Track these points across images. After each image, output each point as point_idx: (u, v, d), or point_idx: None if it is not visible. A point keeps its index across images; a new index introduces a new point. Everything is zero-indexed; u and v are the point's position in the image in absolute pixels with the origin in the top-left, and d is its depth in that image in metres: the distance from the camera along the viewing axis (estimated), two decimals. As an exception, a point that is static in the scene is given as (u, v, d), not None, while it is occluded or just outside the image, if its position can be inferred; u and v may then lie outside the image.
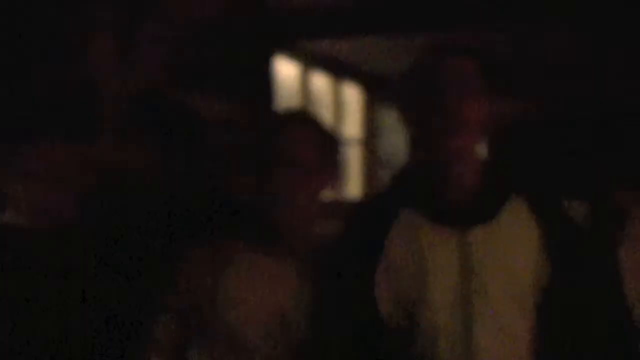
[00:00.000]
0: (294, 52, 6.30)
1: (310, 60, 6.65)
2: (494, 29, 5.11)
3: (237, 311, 1.58)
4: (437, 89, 1.48)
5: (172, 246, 1.69)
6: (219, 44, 3.55)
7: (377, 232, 1.51)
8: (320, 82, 7.05)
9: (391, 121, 8.35)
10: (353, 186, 7.78)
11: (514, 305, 1.44)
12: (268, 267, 1.62)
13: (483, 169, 1.51)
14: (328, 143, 1.66)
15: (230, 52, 3.40)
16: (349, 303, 1.50)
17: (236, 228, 1.68)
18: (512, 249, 1.46)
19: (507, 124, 1.59)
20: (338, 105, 7.37)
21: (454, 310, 1.43)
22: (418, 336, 1.45)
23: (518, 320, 1.45)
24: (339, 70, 7.22)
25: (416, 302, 1.45)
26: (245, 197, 1.69)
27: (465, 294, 1.43)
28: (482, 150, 1.52)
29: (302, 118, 1.70)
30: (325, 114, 7.18)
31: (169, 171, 1.86)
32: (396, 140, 8.37)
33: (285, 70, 6.31)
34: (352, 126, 7.73)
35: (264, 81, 5.08)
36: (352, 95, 7.75)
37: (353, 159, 7.78)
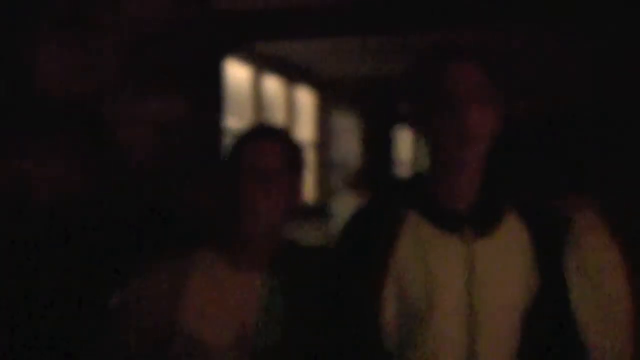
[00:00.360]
0: (245, 54, 6.27)
1: (262, 63, 6.63)
2: (440, 29, 5.14)
3: (201, 324, 1.57)
4: (448, 99, 1.45)
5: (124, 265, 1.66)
6: (168, 46, 3.51)
7: (384, 234, 1.50)
8: (272, 85, 7.03)
9: (343, 124, 8.37)
10: (306, 189, 7.77)
11: (513, 315, 1.48)
12: (232, 279, 1.61)
13: (484, 179, 1.52)
14: (292, 154, 1.65)
15: (180, 55, 3.37)
16: (351, 307, 1.49)
17: (197, 241, 1.66)
18: (509, 260, 1.49)
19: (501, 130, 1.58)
20: (291, 108, 7.36)
21: (459, 319, 1.45)
22: (422, 345, 1.45)
23: (515, 331, 1.48)
24: (291, 73, 7.21)
25: (423, 308, 1.45)
26: (206, 210, 1.66)
27: (470, 304, 1.45)
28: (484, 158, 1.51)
29: (266, 130, 1.69)
30: (278, 117, 7.16)
31: (103, 184, 1.82)
32: (349, 143, 8.39)
33: (237, 73, 6.28)
34: (305, 129, 7.73)
35: (215, 84, 5.05)
36: (305, 98, 7.75)
37: (306, 162, 7.77)
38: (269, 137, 1.64)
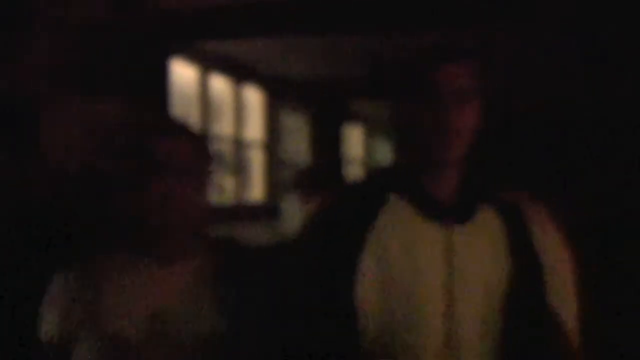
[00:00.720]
0: (191, 54, 6.21)
1: (208, 63, 6.57)
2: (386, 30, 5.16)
3: (119, 319, 1.58)
4: (432, 100, 1.45)
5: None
6: (112, 46, 3.45)
7: (364, 214, 1.51)
8: (220, 85, 6.98)
9: (292, 124, 8.36)
10: (256, 189, 7.74)
11: (492, 300, 1.49)
12: (149, 273, 1.62)
13: (465, 170, 1.53)
14: (199, 148, 1.66)
15: (120, 55, 3.31)
16: (325, 288, 1.48)
17: (111, 240, 1.66)
18: (486, 246, 1.51)
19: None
20: (239, 108, 7.32)
21: (439, 304, 1.47)
22: (401, 329, 1.46)
23: (494, 316, 1.49)
24: (239, 72, 7.17)
25: (403, 293, 1.46)
26: (118, 207, 1.64)
27: (450, 289, 1.47)
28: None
29: (171, 125, 1.69)
30: (225, 116, 7.12)
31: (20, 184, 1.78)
32: (298, 143, 8.38)
33: (183, 73, 6.22)
34: (253, 129, 7.70)
35: (160, 84, 4.98)
36: (253, 97, 7.72)
37: (255, 162, 7.74)
38: (174, 131, 1.64)
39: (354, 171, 10.99)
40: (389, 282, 1.47)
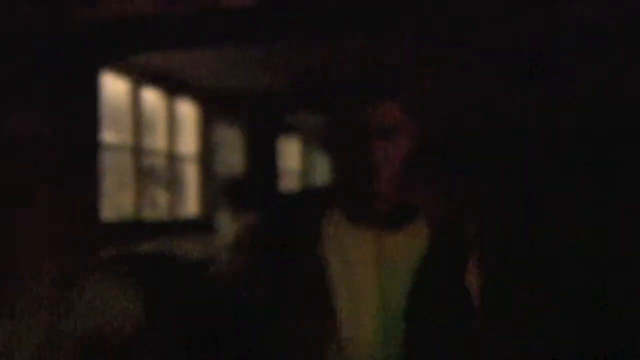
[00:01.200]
0: (122, 67, 6.10)
1: (140, 76, 6.47)
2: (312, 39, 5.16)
3: None
4: (355, 134, 1.46)
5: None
6: (39, 58, 3.35)
7: (301, 228, 1.56)
8: (152, 97, 6.88)
9: (227, 137, 8.29)
10: (190, 203, 7.64)
11: (417, 306, 1.54)
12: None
13: (400, 185, 1.56)
14: None
15: (52, 67, 3.22)
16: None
17: None
18: (416, 257, 1.55)
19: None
20: (172, 121, 7.23)
21: (370, 309, 1.51)
22: (335, 336, 1.50)
23: (421, 323, 1.54)
24: (172, 85, 7.08)
25: (337, 297, 1.51)
26: None
27: (380, 293, 1.52)
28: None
29: None
30: (159, 130, 7.01)
31: None
32: (232, 156, 8.31)
33: (114, 86, 6.11)
34: (187, 142, 7.61)
35: (89, 98, 4.87)
36: (187, 111, 7.63)
37: (190, 176, 7.65)
38: None
39: (290, 184, 10.96)
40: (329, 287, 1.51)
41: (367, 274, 1.53)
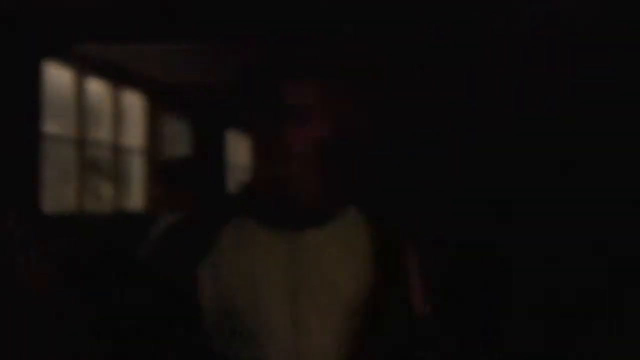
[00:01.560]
0: (66, 57, 6.01)
1: (84, 66, 6.38)
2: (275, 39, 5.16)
3: None
4: (271, 117, 1.41)
5: None
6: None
7: (204, 235, 1.48)
8: (97, 89, 6.79)
9: (174, 130, 8.23)
10: (136, 195, 7.57)
11: (340, 308, 1.46)
12: None
13: (320, 178, 1.48)
14: None
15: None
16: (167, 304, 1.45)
17: None
18: (341, 255, 1.47)
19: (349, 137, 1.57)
20: (118, 113, 7.14)
21: (282, 309, 1.43)
22: (245, 336, 1.43)
23: (343, 323, 1.46)
24: (117, 76, 7.00)
25: (244, 301, 1.43)
26: None
27: (293, 294, 1.44)
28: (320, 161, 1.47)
29: None
30: (103, 122, 6.93)
31: None
32: (179, 149, 8.25)
33: (58, 77, 6.01)
34: (133, 135, 7.52)
35: (31, 88, 4.81)
36: (133, 102, 7.54)
37: (135, 168, 7.57)
38: None
39: (239, 177, 10.93)
40: (229, 293, 1.44)
41: (278, 282, 1.45)
